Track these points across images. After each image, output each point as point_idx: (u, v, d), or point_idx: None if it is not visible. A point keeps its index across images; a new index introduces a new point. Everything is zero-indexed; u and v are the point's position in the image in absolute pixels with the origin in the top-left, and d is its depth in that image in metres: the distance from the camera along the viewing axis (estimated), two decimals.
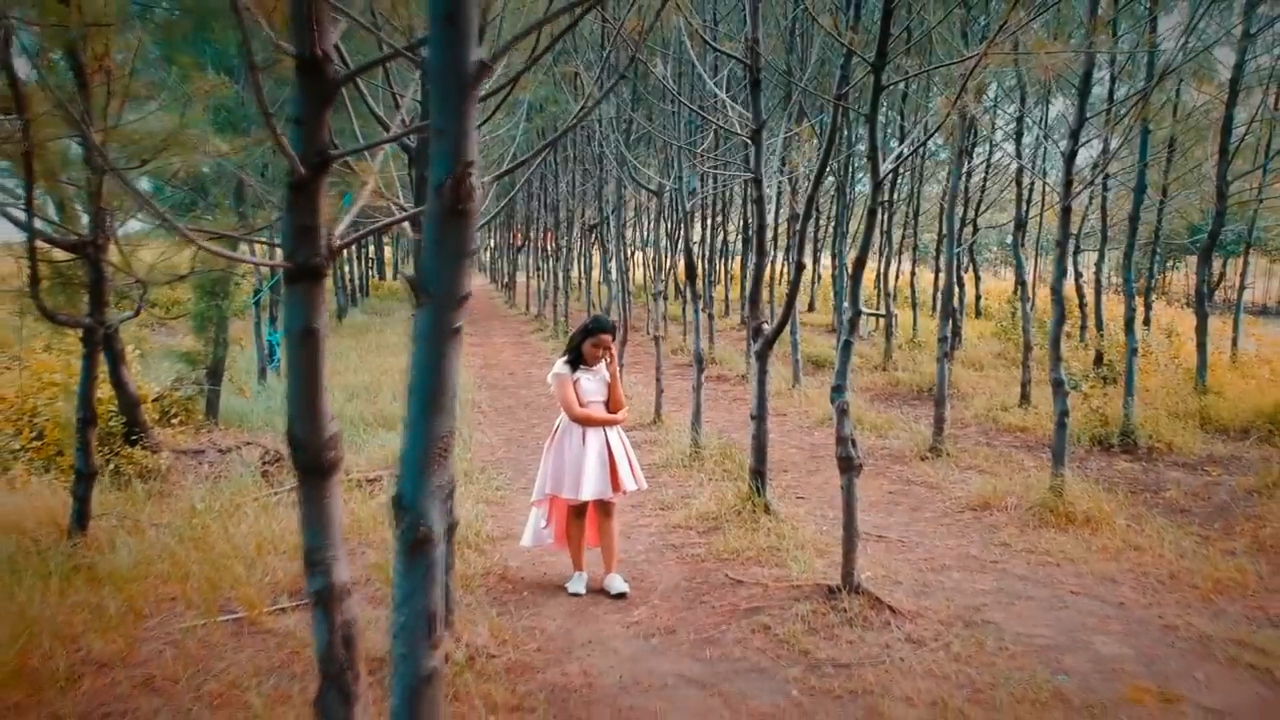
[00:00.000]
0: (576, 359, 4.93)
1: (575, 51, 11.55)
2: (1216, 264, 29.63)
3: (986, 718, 3.57)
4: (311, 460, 2.31)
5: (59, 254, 4.96)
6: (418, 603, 1.17)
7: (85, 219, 4.74)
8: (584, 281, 19.15)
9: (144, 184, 6.00)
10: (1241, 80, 9.95)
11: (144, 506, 5.83)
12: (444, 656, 1.22)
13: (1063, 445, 6.34)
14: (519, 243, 25.27)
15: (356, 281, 23.67)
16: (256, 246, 8.89)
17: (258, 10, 2.14)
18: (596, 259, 19.45)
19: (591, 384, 4.92)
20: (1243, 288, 13.31)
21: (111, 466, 6.37)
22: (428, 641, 1.16)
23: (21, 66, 4.46)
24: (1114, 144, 8.94)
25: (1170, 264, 28.23)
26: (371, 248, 28.25)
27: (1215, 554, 5.56)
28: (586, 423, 4.87)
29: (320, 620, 2.38)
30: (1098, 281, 12.93)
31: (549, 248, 22.06)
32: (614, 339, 5.00)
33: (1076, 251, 14.39)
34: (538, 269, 23.91)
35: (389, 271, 35.51)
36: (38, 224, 4.80)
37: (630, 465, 4.99)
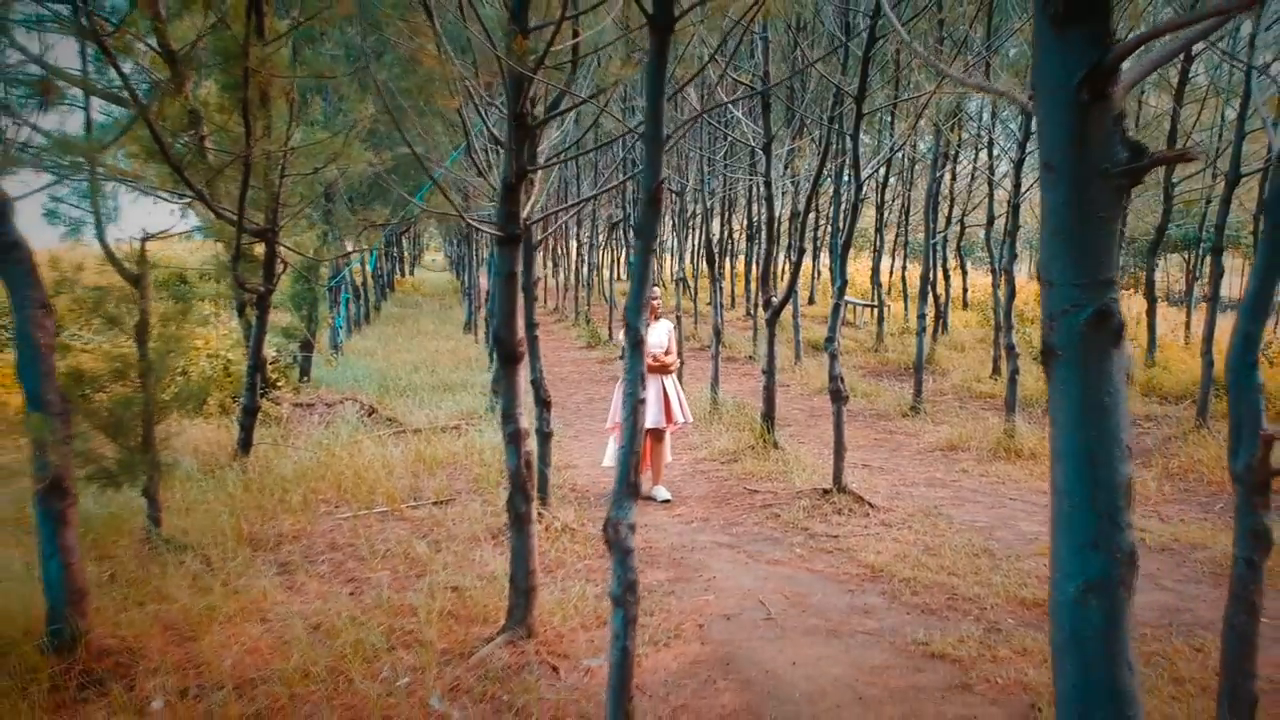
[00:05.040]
0: None
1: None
2: (1207, 262, 31.09)
3: (934, 560, 5.07)
4: (509, 352, 3.84)
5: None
6: (635, 366, 2.65)
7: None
8: (611, 272, 20.69)
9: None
10: (1184, 93, 11.44)
11: (283, 441, 7.34)
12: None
13: (1014, 397, 7.85)
14: (537, 239, 26.65)
15: (385, 278, 25.17)
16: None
17: (486, 87, 3.66)
18: (611, 255, 20.80)
19: (654, 336, 6.42)
20: (1193, 280, 14.84)
21: None
22: (640, 385, 2.64)
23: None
24: None
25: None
26: (394, 247, 29.74)
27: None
28: (647, 369, 6.39)
29: (511, 451, 3.91)
30: None
31: (568, 245, 23.53)
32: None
33: None
34: (556, 265, 25.42)
35: (406, 269, 37.28)
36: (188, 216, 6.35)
37: (680, 403, 6.51)
